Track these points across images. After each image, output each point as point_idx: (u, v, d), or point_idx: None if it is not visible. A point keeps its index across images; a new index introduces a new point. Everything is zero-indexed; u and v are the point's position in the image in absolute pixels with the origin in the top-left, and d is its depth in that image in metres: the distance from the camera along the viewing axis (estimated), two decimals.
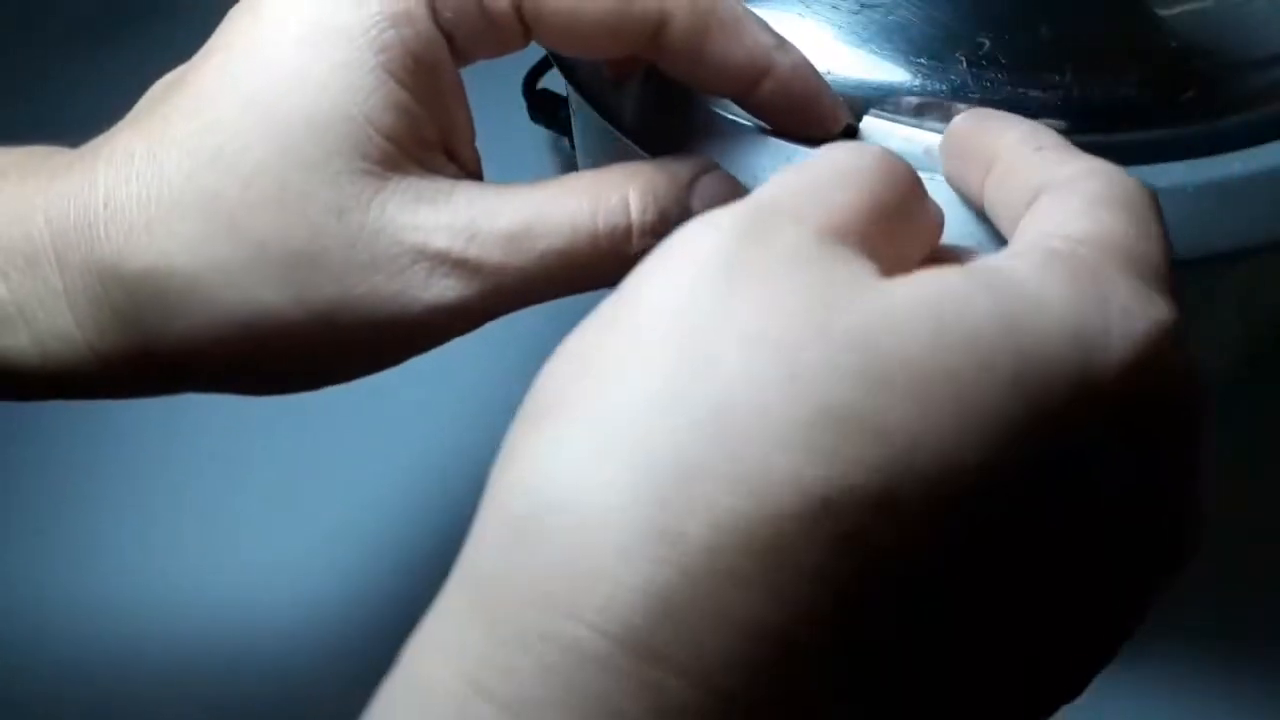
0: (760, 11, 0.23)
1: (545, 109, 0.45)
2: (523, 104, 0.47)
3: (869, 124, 0.24)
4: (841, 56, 0.24)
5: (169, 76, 0.24)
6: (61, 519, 0.44)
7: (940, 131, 0.23)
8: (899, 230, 0.18)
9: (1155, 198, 0.19)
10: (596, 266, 0.22)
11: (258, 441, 0.43)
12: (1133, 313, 0.16)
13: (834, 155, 0.18)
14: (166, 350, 0.22)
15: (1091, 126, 0.23)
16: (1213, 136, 0.23)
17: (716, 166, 0.23)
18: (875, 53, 0.24)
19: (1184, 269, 0.23)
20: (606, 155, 0.31)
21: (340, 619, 0.39)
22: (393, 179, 0.21)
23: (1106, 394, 0.16)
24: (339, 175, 0.21)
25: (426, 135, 0.22)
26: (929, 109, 0.23)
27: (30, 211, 0.22)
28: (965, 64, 0.24)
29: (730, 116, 0.25)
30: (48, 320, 0.22)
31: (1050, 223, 0.18)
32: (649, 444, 0.15)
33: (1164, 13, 0.24)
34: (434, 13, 0.21)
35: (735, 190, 0.23)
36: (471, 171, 0.24)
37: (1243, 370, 0.29)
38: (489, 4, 0.21)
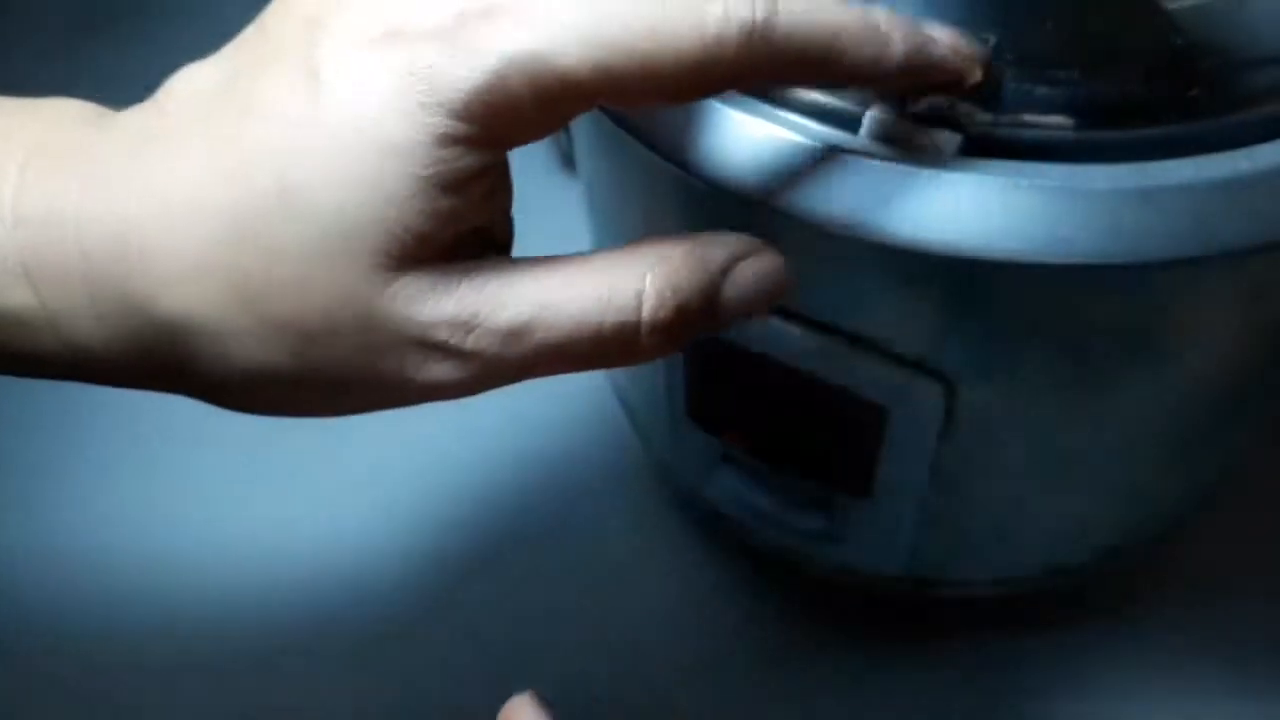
0: None
1: None
2: None
3: (872, 119, 0.23)
4: None
5: (204, 79, 0.22)
6: (60, 480, 0.45)
7: (947, 128, 0.23)
8: None
9: None
10: (599, 358, 0.21)
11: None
12: None
13: None
14: (177, 375, 0.23)
15: (1098, 123, 0.23)
16: (1220, 133, 0.23)
17: (760, 249, 0.22)
18: None
19: (1190, 267, 0.23)
20: (602, 146, 0.31)
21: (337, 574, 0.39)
22: (408, 273, 0.21)
23: None
24: (361, 271, 0.20)
25: (460, 229, 0.21)
26: (934, 104, 0.23)
27: (61, 224, 0.22)
28: None
29: (727, 108, 0.24)
30: (73, 333, 0.22)
31: None
32: None
33: (1171, 7, 0.23)
34: (500, 138, 0.20)
35: (777, 277, 0.22)
36: (501, 244, 0.23)
37: (1244, 370, 0.29)
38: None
